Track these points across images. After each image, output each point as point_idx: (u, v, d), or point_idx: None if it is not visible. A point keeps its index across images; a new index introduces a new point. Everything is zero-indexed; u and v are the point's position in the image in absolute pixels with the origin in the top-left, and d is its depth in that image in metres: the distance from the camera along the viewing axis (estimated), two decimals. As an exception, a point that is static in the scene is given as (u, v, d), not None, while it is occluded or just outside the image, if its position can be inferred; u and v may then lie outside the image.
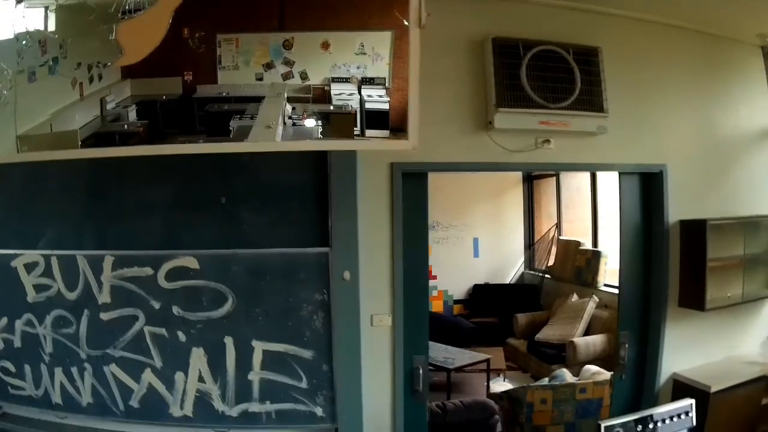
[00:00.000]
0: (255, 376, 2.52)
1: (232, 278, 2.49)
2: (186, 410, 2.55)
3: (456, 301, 7.43)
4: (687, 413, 2.25)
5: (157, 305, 2.50)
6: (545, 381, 3.87)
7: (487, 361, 4.69)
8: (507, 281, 7.23)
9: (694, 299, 2.97)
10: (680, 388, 3.06)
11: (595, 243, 5.69)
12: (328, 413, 2.55)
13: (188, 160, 2.44)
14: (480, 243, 7.49)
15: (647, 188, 3.04)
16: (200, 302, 2.50)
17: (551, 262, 6.42)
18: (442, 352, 4.93)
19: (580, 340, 4.80)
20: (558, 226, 6.52)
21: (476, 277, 7.39)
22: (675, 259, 3.04)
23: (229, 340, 2.50)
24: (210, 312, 2.50)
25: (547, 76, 2.68)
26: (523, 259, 7.20)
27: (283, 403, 2.53)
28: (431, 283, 7.44)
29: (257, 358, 2.51)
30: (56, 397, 2.63)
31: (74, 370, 2.59)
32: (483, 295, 7.17)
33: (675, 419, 2.25)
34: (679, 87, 3.04)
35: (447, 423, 3.10)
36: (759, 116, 3.27)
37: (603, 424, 1.88)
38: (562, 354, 4.80)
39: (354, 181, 2.47)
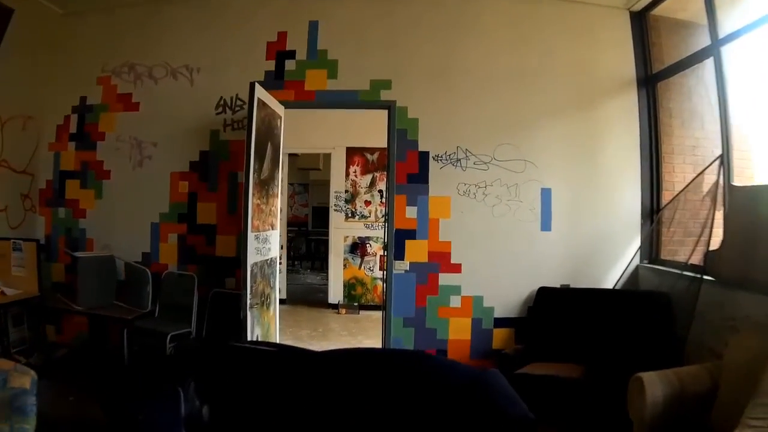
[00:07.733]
0: None
1: None
2: None
3: (499, 321, 3.83)
4: None
5: None
6: None
7: None
8: (608, 284, 3.76)
9: None
10: None
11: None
12: None
13: None
14: (553, 201, 3.84)
15: None
16: None
17: (714, 245, 3.18)
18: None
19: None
20: (724, 161, 3.18)
21: (544, 273, 3.76)
22: None
23: None
24: None
25: None
26: (638, 240, 3.86)
27: None
28: (450, 279, 3.79)
29: None
30: None
31: None
32: (555, 310, 3.57)
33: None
34: None
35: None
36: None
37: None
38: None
39: None
